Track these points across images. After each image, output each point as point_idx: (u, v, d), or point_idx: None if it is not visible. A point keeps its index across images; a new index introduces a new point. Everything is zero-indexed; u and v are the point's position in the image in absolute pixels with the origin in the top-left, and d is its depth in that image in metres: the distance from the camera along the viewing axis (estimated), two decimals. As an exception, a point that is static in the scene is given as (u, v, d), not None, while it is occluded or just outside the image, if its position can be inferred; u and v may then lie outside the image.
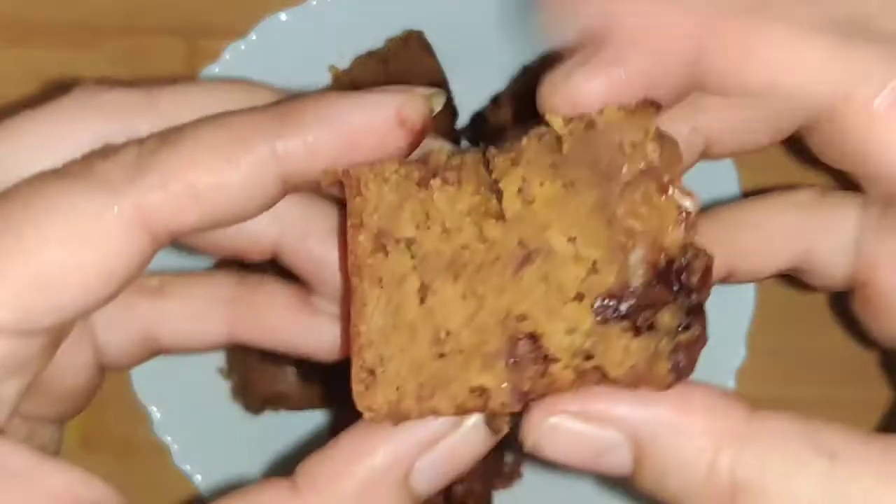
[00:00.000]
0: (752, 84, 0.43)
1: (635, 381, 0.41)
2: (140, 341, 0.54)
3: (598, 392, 0.42)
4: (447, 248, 0.41)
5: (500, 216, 0.41)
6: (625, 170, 0.40)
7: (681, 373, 0.41)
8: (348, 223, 0.42)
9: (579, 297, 0.41)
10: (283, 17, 0.91)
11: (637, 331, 0.41)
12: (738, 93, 0.44)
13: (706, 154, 0.52)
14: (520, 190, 0.41)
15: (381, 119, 0.43)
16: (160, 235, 0.43)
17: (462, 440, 0.44)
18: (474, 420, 0.43)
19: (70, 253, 0.41)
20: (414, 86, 0.44)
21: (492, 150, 0.43)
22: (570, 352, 0.41)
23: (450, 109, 0.92)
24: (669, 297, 0.41)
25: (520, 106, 0.92)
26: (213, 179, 0.42)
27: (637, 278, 0.41)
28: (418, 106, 0.43)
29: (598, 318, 0.41)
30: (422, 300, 0.41)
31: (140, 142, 0.43)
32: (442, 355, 0.41)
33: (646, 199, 0.40)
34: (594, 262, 0.41)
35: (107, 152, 0.43)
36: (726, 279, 0.53)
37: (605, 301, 0.41)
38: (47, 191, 0.42)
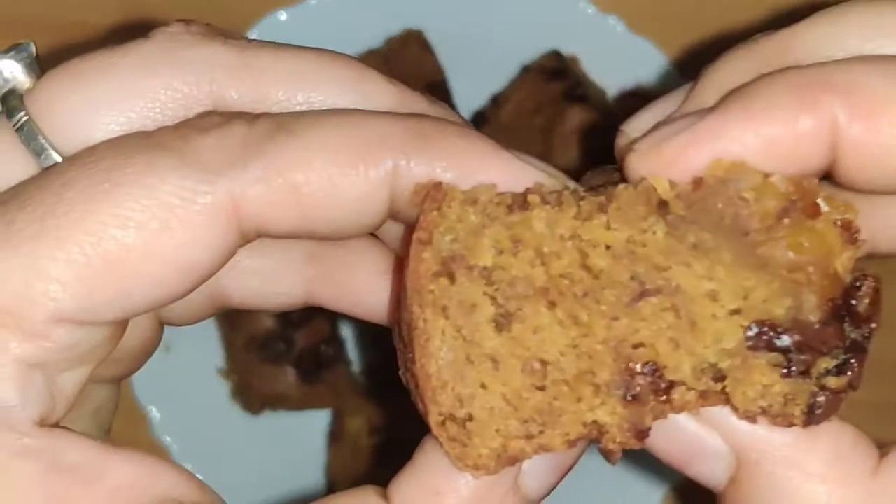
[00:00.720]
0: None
1: (759, 416, 0.37)
2: (207, 297, 0.47)
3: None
4: (540, 274, 0.37)
5: (607, 247, 0.37)
6: (757, 218, 0.36)
7: (814, 419, 0.37)
8: (414, 237, 0.37)
9: (731, 312, 0.37)
10: (282, 16, 0.91)
11: (788, 371, 0.36)
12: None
13: (873, 254, 0.45)
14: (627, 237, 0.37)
15: (511, 184, 0.38)
16: (249, 232, 0.38)
17: None
18: None
19: (146, 238, 0.36)
20: (553, 168, 0.39)
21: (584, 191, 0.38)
22: (697, 371, 0.37)
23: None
24: (840, 340, 0.36)
25: (522, 106, 0.92)
26: (326, 186, 0.37)
27: (811, 315, 0.36)
28: (549, 186, 0.39)
29: (749, 343, 0.36)
30: (500, 329, 0.37)
31: (250, 122, 0.38)
32: (541, 387, 0.37)
33: (799, 228, 0.36)
34: (748, 299, 0.37)
35: (207, 124, 0.37)
36: (868, 256, 0.45)
37: (764, 328, 0.36)
38: (132, 162, 0.36)
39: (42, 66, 0.41)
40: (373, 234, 0.45)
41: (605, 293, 0.37)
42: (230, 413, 0.94)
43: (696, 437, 0.38)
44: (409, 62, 0.92)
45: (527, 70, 0.94)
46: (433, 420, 0.37)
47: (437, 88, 0.91)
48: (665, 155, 0.37)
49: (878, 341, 0.38)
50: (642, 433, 0.38)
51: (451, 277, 0.37)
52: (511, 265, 0.37)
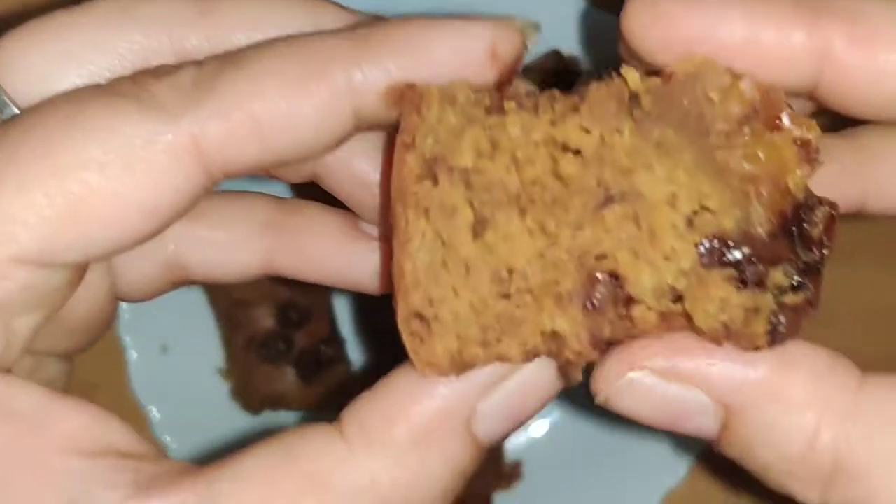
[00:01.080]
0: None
1: (723, 336, 0.37)
2: (164, 270, 0.47)
3: (685, 347, 0.38)
4: (514, 180, 0.37)
5: (577, 152, 0.37)
6: (720, 121, 0.37)
7: (777, 338, 0.37)
8: (398, 140, 0.38)
9: (682, 232, 0.37)
10: (282, 16, 0.91)
11: (743, 283, 0.37)
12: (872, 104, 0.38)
13: (862, 212, 0.46)
14: (599, 136, 0.37)
15: (473, 52, 0.38)
16: (214, 171, 0.38)
17: (530, 380, 0.39)
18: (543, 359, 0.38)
19: (109, 179, 0.36)
20: (497, 18, 0.39)
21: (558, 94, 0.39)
22: (657, 291, 0.37)
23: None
24: (790, 253, 0.37)
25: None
26: (281, 110, 0.37)
27: (759, 227, 0.37)
28: (513, 39, 0.39)
29: (703, 260, 0.37)
30: (476, 235, 0.37)
31: (199, 63, 0.38)
32: (506, 295, 0.37)
33: (757, 139, 0.37)
34: (704, 207, 0.37)
35: (160, 72, 0.38)
36: (857, 213, 0.47)
37: (715, 243, 0.37)
38: (90, 107, 0.37)
39: (2, 29, 0.41)
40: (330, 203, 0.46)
41: (572, 200, 0.37)
42: (230, 413, 0.94)
43: (677, 398, 0.38)
44: (409, 62, 0.92)
45: (527, 70, 0.94)
46: (400, 315, 0.38)
47: (437, 88, 0.91)
48: (658, 9, 0.37)
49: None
50: (600, 342, 0.38)
51: (434, 179, 0.37)
52: (488, 169, 0.37)
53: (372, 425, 0.38)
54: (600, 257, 0.37)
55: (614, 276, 0.37)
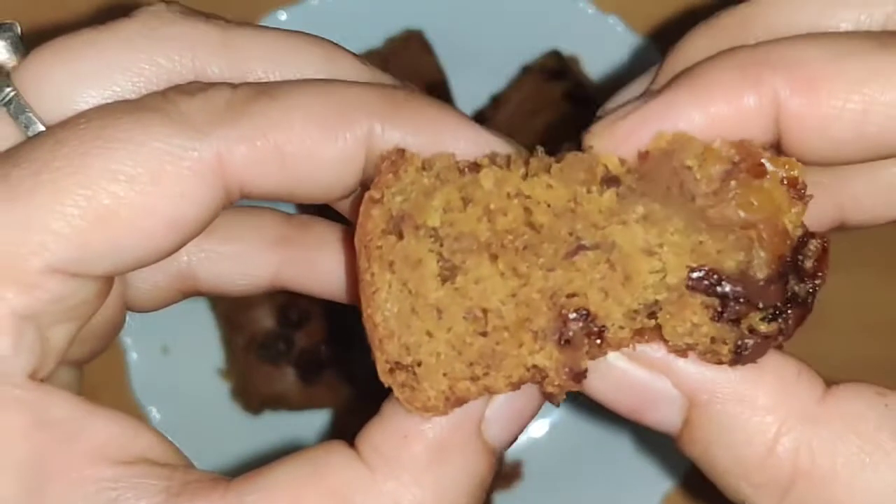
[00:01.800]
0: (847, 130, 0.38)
1: (688, 351, 0.39)
2: (176, 281, 0.48)
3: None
4: (484, 229, 0.39)
5: (548, 204, 0.39)
6: (703, 184, 0.38)
7: (741, 360, 0.38)
8: (366, 195, 0.39)
9: (664, 273, 0.38)
10: (282, 16, 0.91)
11: (719, 316, 0.38)
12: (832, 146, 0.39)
13: (843, 225, 0.47)
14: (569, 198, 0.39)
15: (476, 153, 0.40)
16: (232, 191, 0.39)
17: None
18: None
19: (139, 193, 0.37)
20: (519, 145, 0.42)
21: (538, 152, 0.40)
22: (629, 314, 0.39)
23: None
24: (778, 299, 0.38)
25: (522, 106, 0.92)
26: (306, 147, 0.38)
27: (759, 272, 0.38)
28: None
29: (691, 283, 0.38)
30: (444, 280, 0.39)
31: (233, 86, 0.39)
32: (484, 333, 0.39)
33: (746, 188, 0.38)
34: (702, 248, 0.38)
35: (193, 89, 0.39)
36: (839, 227, 0.48)
37: (709, 272, 0.38)
38: (120, 122, 0.38)
39: (28, 46, 0.41)
40: (337, 218, 0.47)
41: (543, 246, 0.39)
42: (230, 413, 0.94)
43: (646, 385, 0.39)
44: (409, 62, 0.92)
45: (527, 70, 0.94)
46: (380, 368, 0.39)
47: (437, 88, 0.91)
48: (617, 135, 0.39)
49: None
50: (579, 375, 0.39)
51: (399, 235, 0.39)
52: (458, 221, 0.39)
53: (387, 448, 0.39)
54: (571, 296, 0.39)
55: (585, 313, 0.39)
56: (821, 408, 0.38)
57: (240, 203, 0.41)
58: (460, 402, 0.39)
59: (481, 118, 0.93)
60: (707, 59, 0.39)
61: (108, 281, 0.40)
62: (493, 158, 0.40)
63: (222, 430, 0.94)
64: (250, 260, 0.49)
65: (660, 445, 0.88)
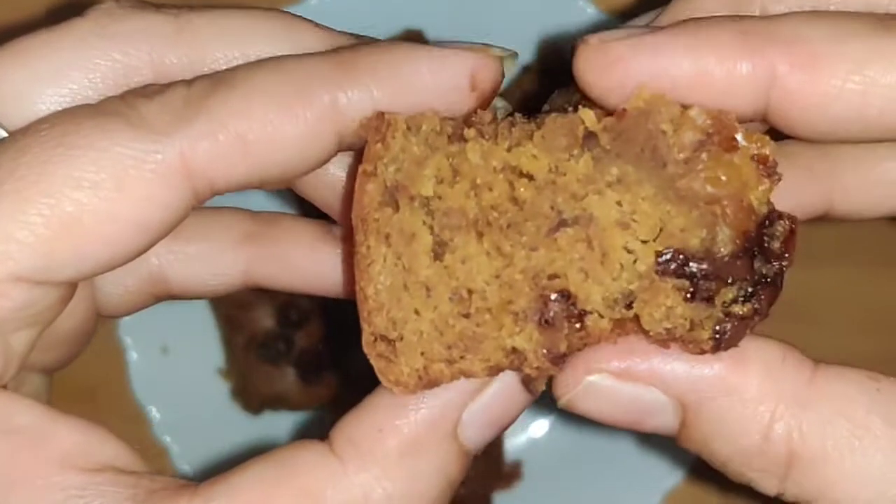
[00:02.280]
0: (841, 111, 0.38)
1: (669, 340, 0.39)
2: (147, 284, 0.48)
3: (641, 348, 0.39)
4: (473, 205, 0.39)
5: (531, 177, 0.39)
6: (676, 150, 0.38)
7: (721, 345, 0.38)
8: (360, 169, 0.39)
9: (636, 251, 0.38)
10: (282, 16, 0.91)
11: (692, 296, 0.38)
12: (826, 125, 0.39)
13: (828, 215, 0.47)
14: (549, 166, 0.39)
15: (454, 80, 0.40)
16: (201, 189, 0.39)
17: (508, 386, 0.40)
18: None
19: (103, 199, 0.37)
20: (487, 45, 0.41)
21: (518, 117, 0.41)
22: (608, 301, 0.39)
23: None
24: (747, 273, 0.38)
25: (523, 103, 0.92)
26: (268, 131, 0.38)
27: (723, 248, 0.38)
28: (493, 68, 0.40)
29: (659, 268, 0.38)
30: (435, 258, 0.39)
31: (188, 83, 0.39)
32: (466, 315, 0.39)
33: (716, 162, 0.38)
34: (667, 227, 0.38)
35: (150, 91, 0.39)
36: (823, 217, 0.48)
37: (675, 254, 0.38)
38: (81, 128, 0.37)
39: None
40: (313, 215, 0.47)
41: (527, 224, 0.39)
42: (230, 413, 0.94)
43: (636, 398, 0.39)
44: (408, 62, 0.92)
45: (527, 70, 0.94)
46: (365, 338, 0.39)
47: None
48: (608, 55, 0.38)
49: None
50: (557, 359, 0.39)
51: (395, 206, 0.39)
52: (448, 195, 0.39)
53: (362, 440, 0.39)
54: (552, 277, 0.39)
55: (566, 295, 0.39)
56: (810, 390, 0.38)
57: (207, 204, 0.41)
58: (432, 383, 0.39)
59: (481, 118, 0.93)
60: (711, 17, 0.39)
61: (71, 286, 0.40)
62: (479, 128, 0.39)
63: (222, 430, 0.94)
64: (219, 259, 0.49)
65: (660, 445, 0.88)
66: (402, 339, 0.39)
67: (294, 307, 0.91)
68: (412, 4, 0.93)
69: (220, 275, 0.49)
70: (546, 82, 0.92)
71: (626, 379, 0.39)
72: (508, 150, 0.39)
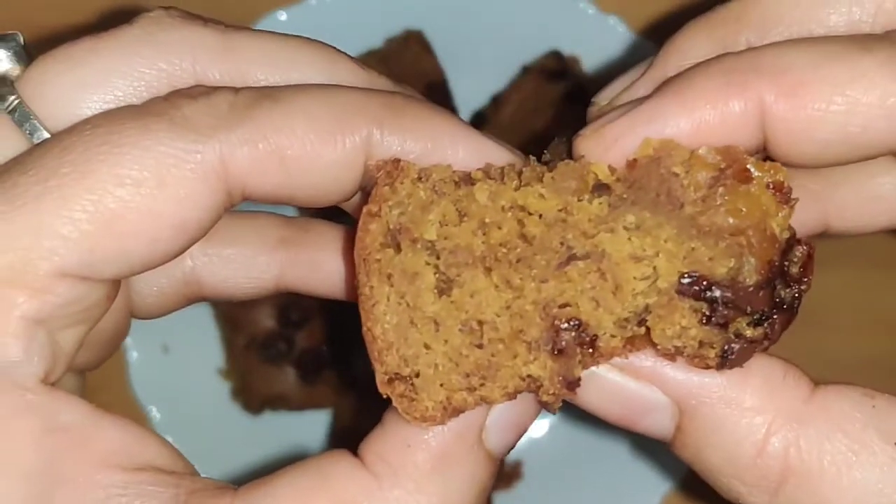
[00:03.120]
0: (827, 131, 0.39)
1: (676, 355, 0.40)
2: (181, 286, 0.49)
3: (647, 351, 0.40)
4: (479, 243, 0.40)
5: (540, 215, 0.40)
6: (691, 190, 0.39)
7: (727, 364, 0.39)
8: (364, 209, 0.40)
9: (653, 282, 0.39)
10: (282, 16, 0.91)
11: (708, 320, 0.39)
12: (814, 149, 0.39)
13: (825, 232, 0.48)
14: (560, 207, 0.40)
15: (475, 159, 0.41)
16: (235, 193, 0.40)
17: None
18: None
19: (144, 196, 0.38)
20: (517, 151, 0.42)
21: (531, 160, 0.41)
22: (620, 323, 0.39)
23: (450, 109, 0.92)
24: (766, 305, 0.38)
25: (523, 106, 0.92)
26: (306, 151, 0.39)
27: (749, 279, 0.38)
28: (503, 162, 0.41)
29: (681, 287, 0.39)
30: (441, 293, 0.40)
31: (235, 90, 0.40)
32: (480, 345, 0.40)
33: (734, 195, 0.39)
34: (694, 256, 0.39)
35: (196, 92, 0.40)
36: (822, 233, 0.49)
37: (700, 279, 0.38)
38: (125, 127, 0.38)
39: (32, 54, 0.42)
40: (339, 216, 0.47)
41: (536, 258, 0.39)
42: (230, 413, 0.94)
43: (636, 394, 0.40)
44: (409, 62, 0.92)
45: (527, 70, 0.94)
46: (379, 379, 0.40)
47: (437, 88, 0.91)
48: (605, 138, 0.40)
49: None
50: (573, 384, 0.40)
51: (397, 248, 0.40)
52: (454, 235, 0.40)
53: (392, 456, 0.39)
54: (563, 306, 0.40)
55: (576, 322, 0.39)
56: (808, 407, 0.38)
57: (241, 208, 0.41)
58: (457, 412, 0.40)
59: (481, 118, 0.93)
60: (694, 66, 0.40)
61: (115, 284, 0.40)
62: (487, 171, 0.40)
63: (222, 429, 0.94)
64: (253, 263, 0.49)
65: (660, 446, 0.88)
66: (418, 375, 0.40)
67: (295, 307, 0.91)
68: (412, 4, 0.93)
69: (253, 279, 0.50)
70: (546, 83, 0.92)
71: (630, 373, 0.40)
72: (517, 189, 0.40)
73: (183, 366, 0.93)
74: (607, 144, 0.39)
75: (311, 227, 0.50)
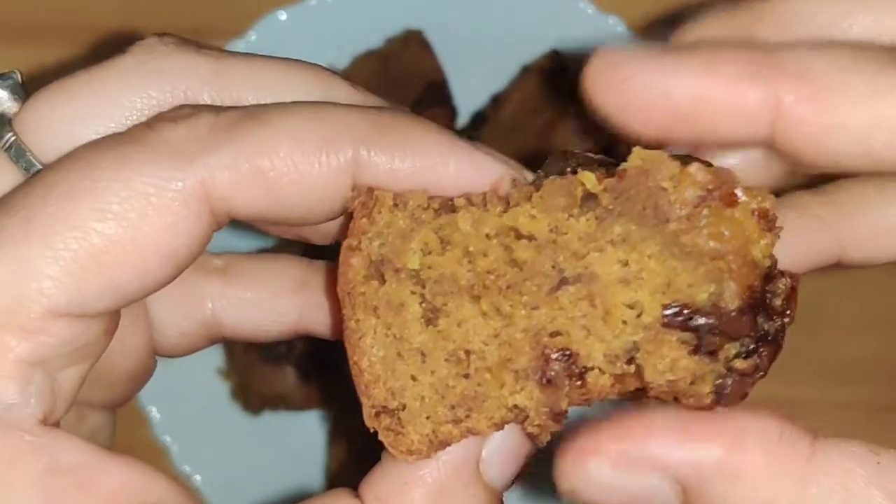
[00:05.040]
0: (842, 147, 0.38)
1: (671, 393, 0.39)
2: (201, 328, 0.50)
3: (638, 425, 0.38)
4: (465, 272, 0.39)
5: (531, 238, 0.39)
6: (677, 206, 0.38)
7: (723, 400, 0.38)
8: (344, 244, 0.40)
9: (640, 309, 0.39)
10: (282, 16, 0.91)
11: (696, 349, 0.38)
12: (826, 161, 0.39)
13: (841, 262, 0.47)
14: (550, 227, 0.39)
15: (475, 183, 0.40)
16: (220, 216, 0.39)
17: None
18: None
19: (127, 228, 0.38)
20: (511, 160, 0.41)
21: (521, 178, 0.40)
22: (610, 358, 0.39)
23: (450, 109, 0.92)
24: (751, 330, 0.38)
25: (521, 105, 0.92)
26: (292, 171, 0.39)
27: (730, 303, 0.38)
28: (513, 178, 0.41)
29: (665, 320, 0.38)
30: (427, 323, 0.39)
31: (217, 111, 0.40)
32: (466, 375, 0.39)
33: (718, 217, 0.38)
34: (675, 283, 0.38)
35: (177, 116, 0.39)
36: (836, 265, 0.48)
37: (682, 308, 0.38)
38: (104, 160, 0.38)
39: (30, 89, 0.43)
40: None
41: (526, 284, 0.39)
42: (230, 413, 0.94)
43: (635, 486, 0.38)
44: (408, 62, 0.92)
45: (527, 70, 0.94)
46: (366, 412, 0.40)
47: (437, 88, 0.91)
48: (618, 72, 0.38)
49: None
50: (559, 415, 0.39)
51: (381, 279, 0.40)
52: (439, 264, 0.39)
53: (389, 496, 0.39)
54: (554, 334, 0.39)
55: (567, 353, 0.39)
56: (810, 466, 0.37)
57: (260, 248, 0.41)
58: (443, 445, 0.40)
59: (481, 118, 0.93)
60: (724, 43, 0.39)
61: (113, 317, 0.40)
62: (468, 196, 0.40)
63: (222, 430, 0.94)
64: (273, 307, 0.49)
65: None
66: (404, 407, 0.40)
67: (294, 307, 0.91)
68: (412, 4, 0.93)
69: (273, 322, 0.50)
70: (545, 83, 0.92)
71: (625, 467, 0.38)
72: (501, 214, 0.39)
73: (183, 366, 0.92)
74: (617, 79, 0.38)
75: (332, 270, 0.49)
